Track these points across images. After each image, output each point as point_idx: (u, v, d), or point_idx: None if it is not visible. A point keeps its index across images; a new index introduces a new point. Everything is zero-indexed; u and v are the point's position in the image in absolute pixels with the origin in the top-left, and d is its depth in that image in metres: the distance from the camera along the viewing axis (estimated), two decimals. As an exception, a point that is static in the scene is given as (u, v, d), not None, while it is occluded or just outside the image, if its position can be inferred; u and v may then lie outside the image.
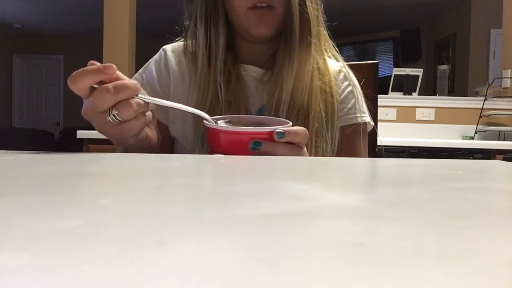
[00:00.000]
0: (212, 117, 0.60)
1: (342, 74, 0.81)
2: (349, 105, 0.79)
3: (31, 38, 7.46)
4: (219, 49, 0.72)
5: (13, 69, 7.67)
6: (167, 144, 0.77)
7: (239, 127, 0.58)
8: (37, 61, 7.71)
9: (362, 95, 0.82)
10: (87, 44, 7.07)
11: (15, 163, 0.39)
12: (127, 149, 0.60)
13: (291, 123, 0.59)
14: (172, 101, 0.76)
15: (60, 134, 6.92)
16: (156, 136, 0.62)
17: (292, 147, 0.56)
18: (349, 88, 0.80)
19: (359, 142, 0.80)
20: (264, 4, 0.69)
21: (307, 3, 0.72)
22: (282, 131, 0.55)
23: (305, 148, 0.59)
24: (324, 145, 0.72)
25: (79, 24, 6.68)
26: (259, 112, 0.74)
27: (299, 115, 0.71)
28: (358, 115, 0.79)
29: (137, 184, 0.28)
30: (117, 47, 3.21)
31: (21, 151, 0.47)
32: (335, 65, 0.81)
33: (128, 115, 0.51)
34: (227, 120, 0.63)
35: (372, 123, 0.83)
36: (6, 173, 0.32)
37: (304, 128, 0.58)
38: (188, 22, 0.78)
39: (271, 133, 0.55)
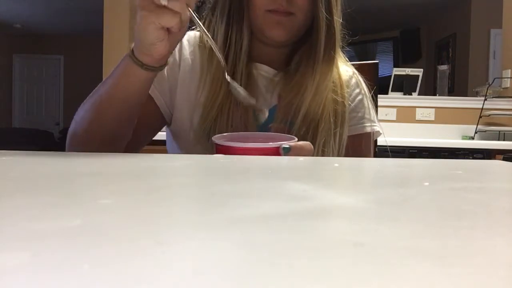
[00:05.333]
0: (218, 135, 0.60)
1: (353, 80, 0.80)
2: (359, 114, 0.79)
3: (31, 38, 7.45)
4: (241, 51, 0.71)
5: (13, 69, 7.66)
6: (142, 124, 0.72)
7: (246, 143, 0.59)
8: (37, 61, 7.70)
9: (372, 102, 0.82)
10: (87, 44, 7.07)
11: (15, 163, 0.39)
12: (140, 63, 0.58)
13: (296, 139, 0.59)
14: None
15: (60, 134, 6.91)
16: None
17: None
18: (360, 96, 0.80)
19: (367, 150, 0.80)
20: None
21: (334, 17, 0.71)
22: (288, 146, 0.56)
23: None
24: (331, 154, 0.73)
25: (79, 24, 6.67)
26: (269, 113, 0.74)
27: (310, 127, 0.71)
28: (368, 124, 0.79)
29: (137, 184, 0.28)
30: (117, 47, 3.20)
31: (21, 151, 0.47)
32: (346, 69, 0.80)
33: (176, 5, 0.52)
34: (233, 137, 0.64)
35: (382, 131, 0.82)
36: (6, 173, 0.32)
37: (309, 143, 0.58)
38: (205, 16, 0.77)
39: (277, 148, 0.56)
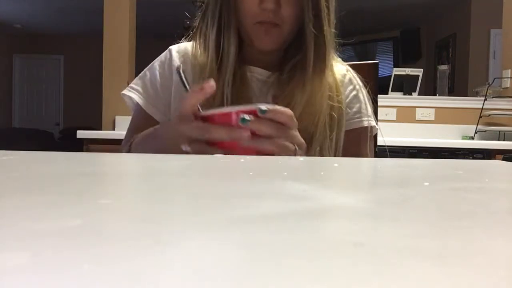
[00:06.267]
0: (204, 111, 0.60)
1: (347, 78, 0.81)
2: (354, 109, 0.79)
3: (31, 38, 7.45)
4: (229, 57, 0.72)
5: (13, 69, 7.66)
6: None
7: (224, 108, 0.59)
8: (37, 61, 7.70)
9: (368, 98, 0.82)
10: (87, 44, 7.06)
11: (15, 163, 0.39)
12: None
13: (276, 106, 0.58)
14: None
15: (60, 134, 6.91)
16: None
17: (278, 126, 0.56)
18: (354, 92, 0.80)
19: (364, 145, 0.80)
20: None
21: (324, 27, 0.71)
22: (265, 108, 0.55)
23: (296, 132, 0.59)
24: (328, 155, 0.73)
25: (79, 24, 6.67)
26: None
27: (304, 136, 0.71)
28: (364, 119, 0.79)
29: (137, 184, 0.28)
30: (117, 47, 3.20)
31: (21, 151, 0.47)
32: (340, 68, 0.80)
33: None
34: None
35: (378, 126, 0.82)
36: (6, 173, 0.32)
37: (289, 110, 0.58)
38: (197, 23, 0.78)
39: (255, 111, 0.55)
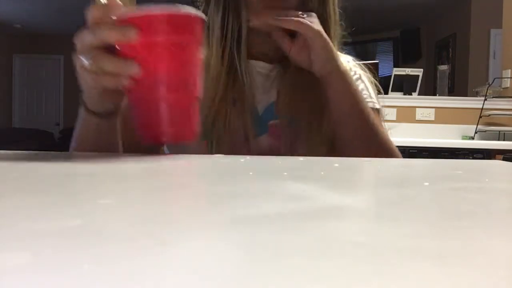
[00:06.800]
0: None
1: (348, 67, 0.81)
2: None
3: (31, 38, 7.45)
4: (241, 38, 0.70)
5: (13, 69, 7.66)
6: None
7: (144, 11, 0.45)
8: (37, 61, 7.70)
9: (372, 85, 0.81)
10: (87, 44, 7.06)
11: (15, 163, 0.39)
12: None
13: (205, 17, 0.51)
14: None
15: (60, 134, 6.92)
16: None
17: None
18: (356, 76, 0.80)
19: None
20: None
21: (328, 8, 0.71)
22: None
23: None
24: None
25: (79, 24, 6.64)
26: (267, 111, 0.74)
27: (312, 121, 0.70)
28: (369, 100, 0.78)
29: (137, 184, 0.28)
30: (117, 47, 3.20)
31: (21, 151, 0.47)
32: (343, 59, 0.80)
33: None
34: None
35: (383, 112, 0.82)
36: (6, 173, 0.32)
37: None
38: (202, 9, 0.76)
39: (197, 18, 0.47)
